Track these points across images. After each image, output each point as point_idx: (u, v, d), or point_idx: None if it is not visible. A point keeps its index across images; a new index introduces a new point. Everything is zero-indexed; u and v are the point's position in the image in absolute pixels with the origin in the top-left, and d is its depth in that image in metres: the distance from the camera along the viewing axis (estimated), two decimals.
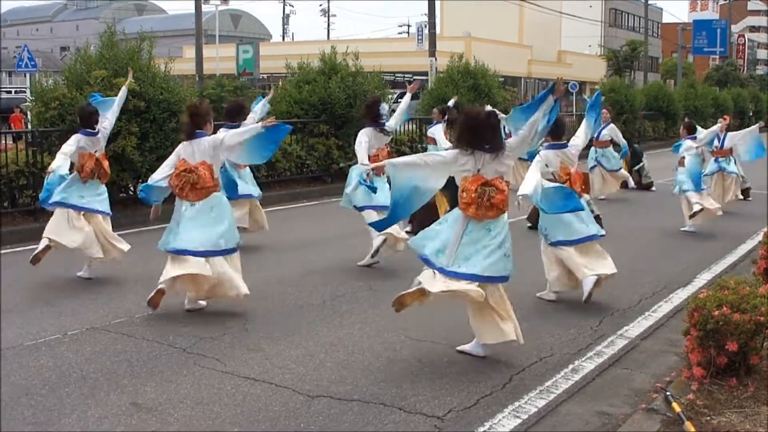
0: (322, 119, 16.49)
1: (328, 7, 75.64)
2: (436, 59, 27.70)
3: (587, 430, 4.92)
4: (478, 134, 6.00)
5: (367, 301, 7.76)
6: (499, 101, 20.62)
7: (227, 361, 5.94)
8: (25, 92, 29.38)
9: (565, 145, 7.96)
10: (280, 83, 20.32)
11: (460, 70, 20.67)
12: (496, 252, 6.03)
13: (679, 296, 8.10)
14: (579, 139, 8.13)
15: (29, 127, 15.82)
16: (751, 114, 42.17)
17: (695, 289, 8.16)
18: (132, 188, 12.69)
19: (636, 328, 7.03)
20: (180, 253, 7.06)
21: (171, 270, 7.06)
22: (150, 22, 55.99)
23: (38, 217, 11.19)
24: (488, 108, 6.90)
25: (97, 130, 8.54)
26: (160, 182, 7.27)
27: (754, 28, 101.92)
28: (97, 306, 7.41)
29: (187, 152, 7.19)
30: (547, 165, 7.84)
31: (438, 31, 30.81)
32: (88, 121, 8.52)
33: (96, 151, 8.55)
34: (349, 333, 6.68)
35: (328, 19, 78.84)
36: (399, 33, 78.00)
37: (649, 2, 54.86)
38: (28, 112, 15.91)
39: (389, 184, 7.08)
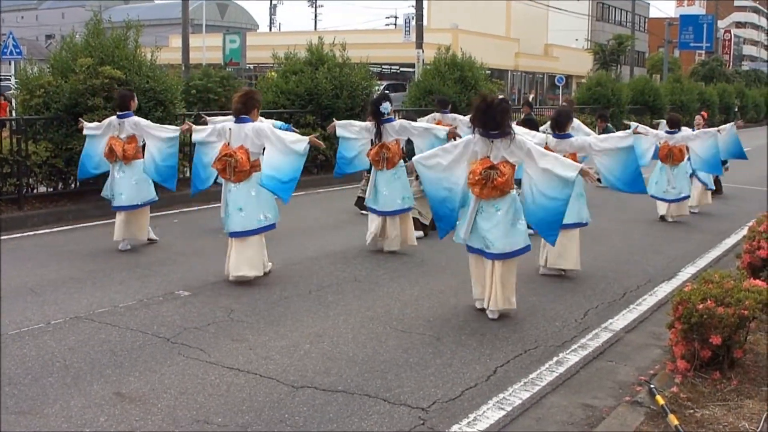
0: (308, 110, 16.44)
1: None
2: (423, 51, 27.67)
3: (571, 423, 4.94)
4: (489, 118, 6.56)
5: (352, 292, 7.75)
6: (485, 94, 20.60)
7: (211, 351, 5.92)
8: (9, 80, 29.13)
9: (569, 136, 8.34)
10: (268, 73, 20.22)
11: (447, 62, 20.64)
12: (510, 229, 6.71)
13: (664, 290, 8.14)
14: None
15: (14, 114, 15.69)
16: (736, 109, 42.40)
17: (680, 283, 8.22)
18: None
19: (620, 321, 7.06)
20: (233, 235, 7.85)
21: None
22: (136, 10, 55.66)
23: (22, 206, 11.12)
24: (500, 96, 7.10)
25: (125, 114, 9.21)
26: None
27: (740, 24, 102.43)
28: (81, 295, 7.36)
29: (233, 134, 7.81)
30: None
31: (425, 23, 30.76)
32: (121, 103, 9.26)
33: (118, 135, 9.23)
34: (334, 324, 6.67)
35: (315, 10, 78.55)
36: (386, 24, 78.00)
37: None
38: (13, 100, 15.77)
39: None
